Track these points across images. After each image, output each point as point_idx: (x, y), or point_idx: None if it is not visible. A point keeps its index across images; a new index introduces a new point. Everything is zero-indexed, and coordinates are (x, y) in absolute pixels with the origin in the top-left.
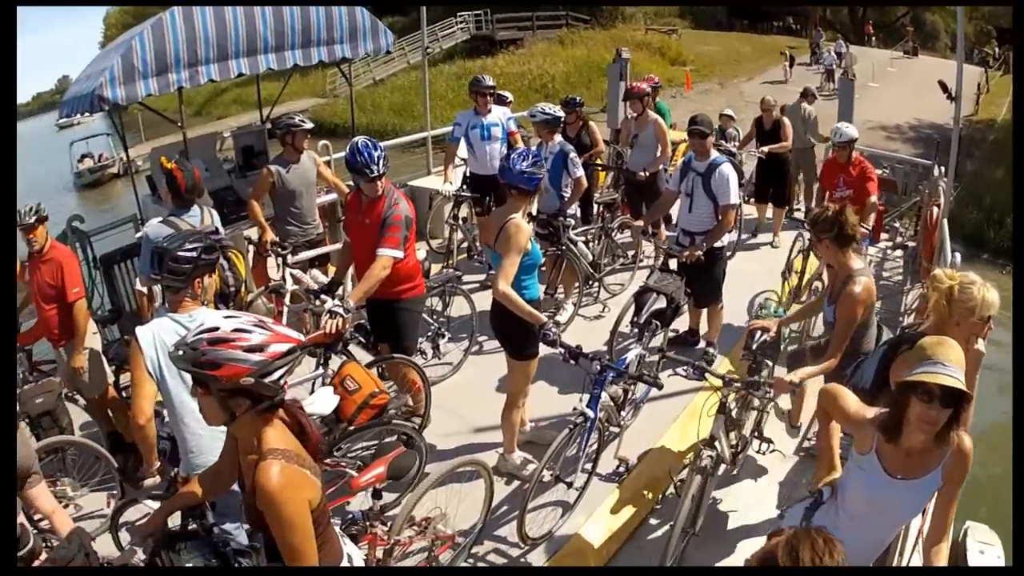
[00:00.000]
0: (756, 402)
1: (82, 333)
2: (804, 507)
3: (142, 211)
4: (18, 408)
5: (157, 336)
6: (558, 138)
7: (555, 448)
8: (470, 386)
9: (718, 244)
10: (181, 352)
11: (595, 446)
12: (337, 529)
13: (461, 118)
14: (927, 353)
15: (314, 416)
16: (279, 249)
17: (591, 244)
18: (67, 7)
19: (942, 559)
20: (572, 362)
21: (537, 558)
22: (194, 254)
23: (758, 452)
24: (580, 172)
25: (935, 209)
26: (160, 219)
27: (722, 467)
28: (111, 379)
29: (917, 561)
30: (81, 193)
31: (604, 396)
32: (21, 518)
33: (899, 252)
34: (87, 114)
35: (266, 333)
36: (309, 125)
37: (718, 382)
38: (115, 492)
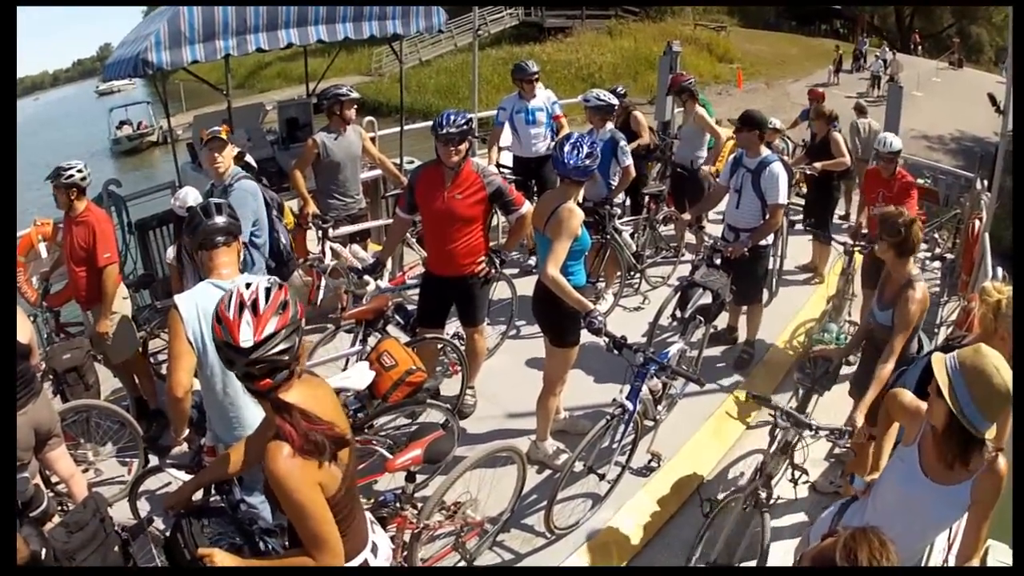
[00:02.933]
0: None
1: (109, 298)
2: (840, 503)
3: (181, 178)
4: (44, 365)
5: (200, 305)
6: (609, 125)
7: (590, 439)
8: (505, 371)
9: (763, 242)
10: None
11: (630, 439)
12: (368, 515)
13: (506, 103)
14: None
15: (349, 391)
16: (320, 222)
17: (635, 235)
18: None
19: None
20: (615, 352)
21: (562, 549)
22: (229, 222)
23: (790, 481)
24: (629, 161)
25: (977, 222)
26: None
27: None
28: (139, 345)
29: None
30: (118, 159)
31: (644, 389)
32: (37, 479)
33: (937, 264)
34: (128, 80)
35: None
36: (356, 95)
37: (804, 429)
38: (137, 459)
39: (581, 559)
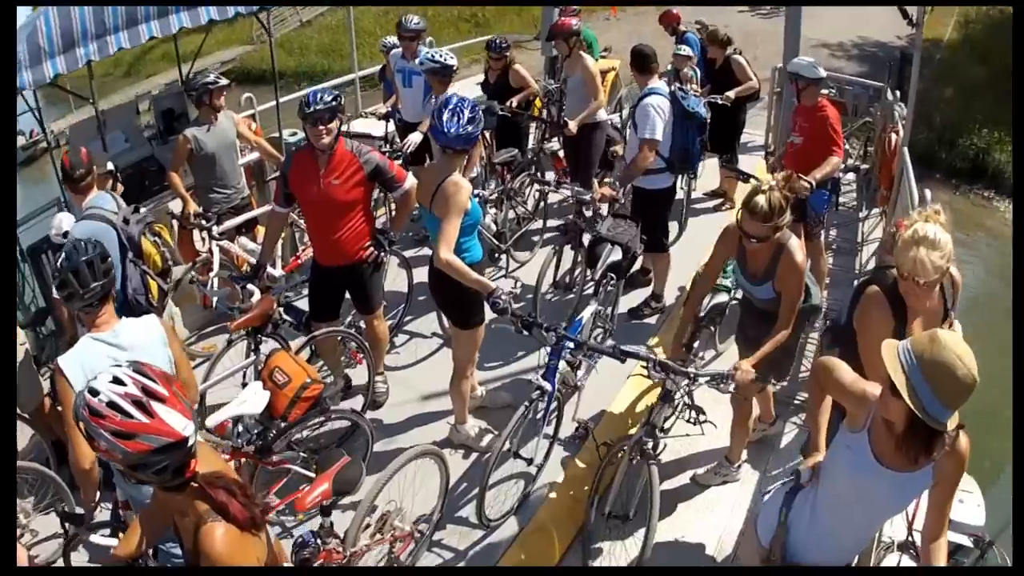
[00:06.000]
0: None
1: None
2: (784, 492)
3: (65, 194)
4: None
5: (84, 365)
6: (451, 90)
7: (512, 427)
8: (413, 352)
9: (651, 187)
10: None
11: (554, 414)
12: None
13: (391, 59)
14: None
15: (247, 416)
16: (203, 221)
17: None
18: None
19: (941, 555)
20: (525, 333)
21: (502, 536)
22: (108, 259)
23: (688, 422)
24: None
25: (893, 135)
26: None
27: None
28: (46, 388)
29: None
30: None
31: (561, 364)
32: None
33: (851, 175)
34: None
35: (142, 419)
36: (224, 81)
37: (680, 377)
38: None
39: (522, 547)
